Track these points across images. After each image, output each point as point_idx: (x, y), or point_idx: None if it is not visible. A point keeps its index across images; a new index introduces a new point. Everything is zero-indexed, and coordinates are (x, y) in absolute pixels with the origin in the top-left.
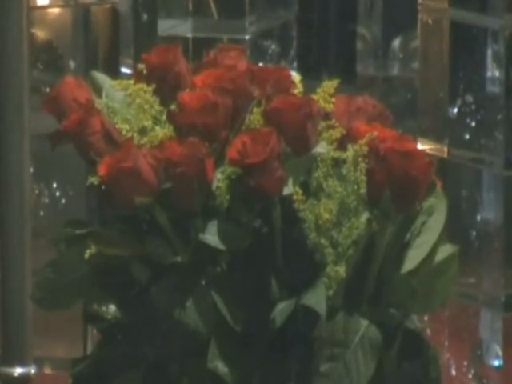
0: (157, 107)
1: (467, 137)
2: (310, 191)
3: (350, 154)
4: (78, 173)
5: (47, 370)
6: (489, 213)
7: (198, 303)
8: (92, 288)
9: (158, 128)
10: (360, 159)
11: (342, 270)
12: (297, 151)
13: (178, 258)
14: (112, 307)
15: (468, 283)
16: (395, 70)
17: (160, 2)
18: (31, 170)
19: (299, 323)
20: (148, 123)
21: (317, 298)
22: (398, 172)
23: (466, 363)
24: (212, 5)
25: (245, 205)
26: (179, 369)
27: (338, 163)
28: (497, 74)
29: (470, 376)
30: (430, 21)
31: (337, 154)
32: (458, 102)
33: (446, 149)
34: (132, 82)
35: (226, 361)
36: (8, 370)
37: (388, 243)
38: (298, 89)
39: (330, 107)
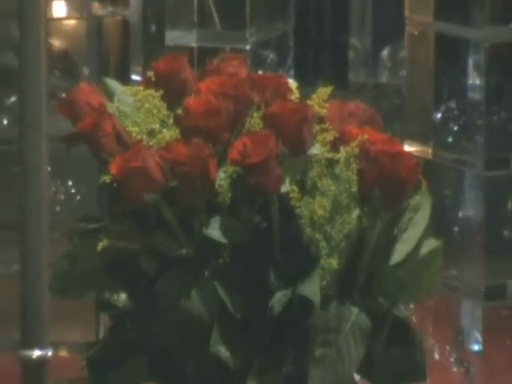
0: (164, 111)
1: (450, 140)
2: (306, 189)
3: (342, 155)
4: (91, 172)
5: (63, 353)
6: (470, 210)
7: (201, 293)
8: (104, 278)
9: (165, 130)
10: (352, 160)
11: (334, 262)
12: (293, 152)
13: (183, 251)
14: (122, 296)
15: (451, 275)
16: (384, 78)
17: (167, 15)
18: (48, 169)
19: (295, 311)
20: (156, 126)
21: (311, 288)
22: (387, 172)
23: (448, 348)
24: (215, 17)
25: (245, 202)
26: (184, 353)
27: (331, 163)
28: (478, 82)
29: (452, 360)
30: (416, 33)
31: (330, 155)
32: (442, 107)
33: (430, 151)
34: (141, 88)
35: (228, 346)
36: (27, 352)
37: (377, 237)
38: (295, 95)
39: (323, 112)
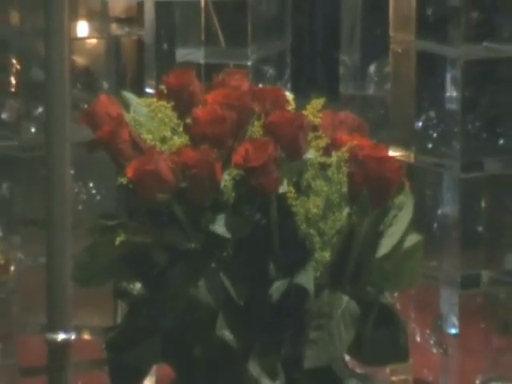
0: (175, 120)
1: (430, 146)
2: (301, 190)
3: (334, 159)
4: (109, 174)
5: (85, 337)
6: (447, 208)
7: (208, 282)
8: (121, 269)
9: (175, 137)
10: (342, 164)
11: (327, 254)
12: (290, 157)
13: (192, 245)
14: (137, 285)
15: (430, 266)
16: (371, 91)
17: (178, 34)
18: (71, 172)
19: (292, 299)
20: (167, 133)
21: (306, 278)
22: (374, 174)
23: (428, 332)
24: (220, 36)
25: (247, 201)
26: (193, 336)
27: (324, 167)
28: (454, 94)
29: (432, 342)
30: (399, 50)
31: (323, 159)
32: (423, 116)
33: (412, 155)
34: (154, 99)
35: (232, 329)
36: (53, 336)
37: (365, 233)
38: (291, 106)
39: (317, 121)
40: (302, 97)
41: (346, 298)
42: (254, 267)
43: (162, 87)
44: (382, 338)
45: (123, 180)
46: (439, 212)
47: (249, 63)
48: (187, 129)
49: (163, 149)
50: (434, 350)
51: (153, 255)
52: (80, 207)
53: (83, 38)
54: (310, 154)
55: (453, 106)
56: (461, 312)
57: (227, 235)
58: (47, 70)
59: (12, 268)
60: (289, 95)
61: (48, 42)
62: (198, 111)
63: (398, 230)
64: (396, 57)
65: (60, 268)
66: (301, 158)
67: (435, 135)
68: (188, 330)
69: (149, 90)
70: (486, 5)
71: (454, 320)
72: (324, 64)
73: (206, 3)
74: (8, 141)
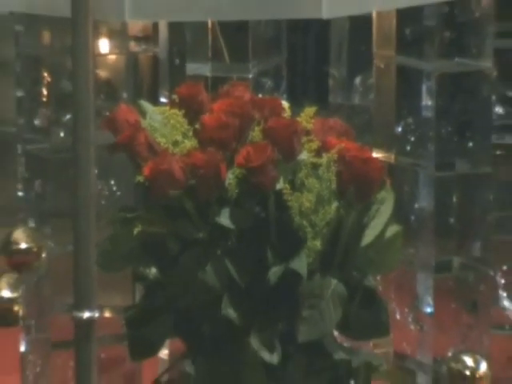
0: (185, 126)
1: (408, 148)
2: (296, 187)
3: (324, 160)
4: (128, 173)
5: (107, 314)
6: (423, 203)
7: (214, 267)
8: (138, 256)
9: (186, 141)
10: (331, 164)
11: (318, 243)
12: (286, 158)
13: (200, 235)
14: (153, 270)
15: (408, 253)
16: (356, 100)
17: (188, 51)
18: (95, 171)
19: (287, 281)
20: (179, 138)
21: (300, 264)
22: (359, 173)
23: (406, 310)
24: (225, 53)
25: (248, 196)
26: (201, 314)
27: (315, 166)
28: (429, 103)
29: (410, 319)
30: (381, 65)
31: (315, 160)
32: (402, 123)
33: (393, 157)
34: (168, 108)
35: (235, 308)
36: (79, 314)
37: (351, 224)
38: (287, 113)
39: (309, 126)
40: (297, 105)
41: (334, 281)
42: (255, 254)
43: (174, 97)
44: (366, 315)
45: (140, 178)
46: (416, 206)
47: (250, 76)
48: (196, 133)
49: (175, 151)
50: (412, 327)
51: (166, 244)
52: (103, 202)
53: (105, 55)
54: (303, 156)
55: (428, 114)
56: (435, 293)
57: (231, 226)
58: (74, 82)
59: (43, 255)
60: (285, 104)
61: (75, 57)
62: (206, 118)
63: (380, 222)
64: (378, 70)
65: (85, 255)
66: (295, 158)
67: (413, 139)
68: (197, 308)
69: (163, 100)
70: (457, 25)
71: (429, 300)
72: (315, 77)
73: (212, 24)
74: (40, 144)
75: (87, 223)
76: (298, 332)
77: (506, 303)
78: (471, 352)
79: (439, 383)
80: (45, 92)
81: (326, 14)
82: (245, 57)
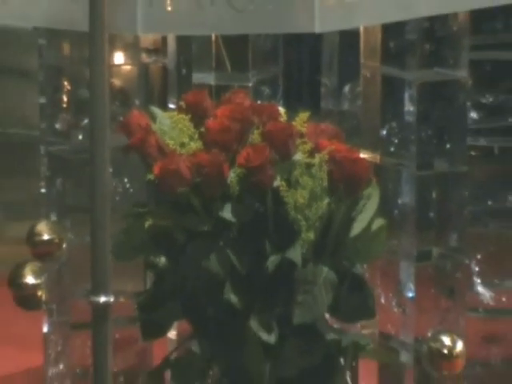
0: (191, 130)
1: (392, 149)
2: (291, 184)
3: (316, 160)
4: (140, 172)
5: (121, 299)
6: (406, 198)
7: (217, 256)
8: (149, 246)
9: (192, 143)
10: (323, 163)
11: (311, 235)
12: (282, 158)
13: (205, 227)
14: (162, 259)
15: (392, 243)
16: (346, 106)
17: (194, 61)
18: (110, 170)
19: (284, 269)
20: (186, 140)
21: (295, 253)
22: (348, 172)
23: (390, 295)
24: (227, 63)
25: (248, 193)
26: (206, 298)
27: (309, 166)
28: (411, 109)
29: (394, 303)
30: (368, 75)
31: (308, 160)
32: (387, 126)
33: (378, 157)
34: (175, 113)
35: (237, 293)
36: (96, 298)
37: (341, 218)
38: (283, 118)
39: (303, 130)
40: (292, 111)
41: (326, 269)
42: (254, 245)
43: (182, 103)
44: (354, 300)
45: (151, 176)
46: (399, 201)
47: (249, 85)
48: (201, 136)
49: (182, 152)
50: (395, 310)
51: (174, 235)
52: (117, 198)
53: (119, 65)
54: (298, 156)
55: (410, 119)
56: (416, 280)
57: (233, 220)
58: (91, 90)
59: (64, 245)
60: (281, 110)
61: (92, 68)
62: (210, 122)
63: (366, 216)
64: (365, 79)
65: (101, 245)
66: (291, 159)
67: (396, 141)
68: (202, 294)
69: (171, 106)
70: (436, 39)
71: (411, 286)
72: (309, 85)
73: (216, 37)
74: (61, 146)
75: (103, 217)
76: (294, 315)
77: (479, 289)
78: (449, 332)
79: (420, 360)
80: (65, 99)
81: (318, 28)
82: (245, 67)
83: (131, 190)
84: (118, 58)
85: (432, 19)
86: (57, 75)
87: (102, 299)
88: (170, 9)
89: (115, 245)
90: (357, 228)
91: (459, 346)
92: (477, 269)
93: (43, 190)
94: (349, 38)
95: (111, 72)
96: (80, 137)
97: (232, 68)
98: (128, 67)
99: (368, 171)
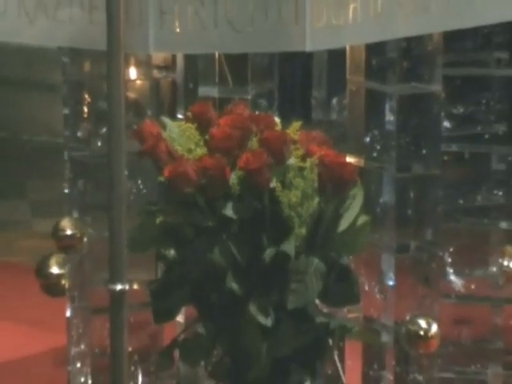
0: (197, 137)
1: (375, 154)
2: (285, 185)
3: (308, 164)
4: (152, 174)
5: (135, 287)
6: (387, 198)
7: (221, 249)
8: (160, 240)
9: (198, 149)
10: (314, 167)
11: (303, 230)
12: (277, 162)
13: (209, 223)
14: (172, 251)
15: (375, 238)
16: (334, 116)
17: (199, 77)
18: (126, 172)
19: (279, 261)
20: (192, 146)
21: (289, 246)
22: (336, 174)
23: (373, 283)
24: (229, 78)
25: (248, 193)
26: (210, 286)
27: (301, 169)
28: (392, 118)
29: (376, 290)
30: (353, 88)
31: (300, 164)
32: (370, 134)
33: (363, 161)
34: (183, 122)
35: (237, 282)
36: (113, 286)
37: (330, 215)
38: (278, 127)
39: (296, 137)
40: (286, 121)
41: (316, 260)
42: (253, 239)
43: (189, 114)
44: (341, 287)
45: (162, 178)
46: (381, 200)
47: (249, 97)
48: (206, 143)
49: (189, 157)
50: (377, 296)
51: (183, 230)
52: (132, 197)
53: (133, 80)
54: (292, 160)
55: (390, 127)
56: (396, 269)
57: (234, 217)
58: (109, 102)
59: (85, 239)
60: (276, 120)
61: (109, 82)
62: (214, 131)
63: (352, 213)
64: (351, 93)
65: (118, 239)
66: (285, 163)
67: (378, 147)
68: (207, 282)
69: (179, 116)
70: (413, 57)
71: (391, 275)
72: (301, 98)
73: (219, 55)
74: (82, 151)
75: (119, 214)
76: (288, 301)
77: (452, 277)
78: (424, 316)
79: (399, 341)
80: (86, 110)
81: (309, 47)
82: (245, 82)
83: (144, 191)
84: (133, 73)
85: (409, 39)
86: (78, 89)
87: (119, 287)
88: (178, 30)
89: (130, 239)
90: (343, 224)
91: (434, 328)
92: (449, 260)
93: (66, 191)
94: (336, 56)
95: (126, 86)
96: (99, 143)
97: (233, 82)
98: (141, 82)
99: (353, 174)
